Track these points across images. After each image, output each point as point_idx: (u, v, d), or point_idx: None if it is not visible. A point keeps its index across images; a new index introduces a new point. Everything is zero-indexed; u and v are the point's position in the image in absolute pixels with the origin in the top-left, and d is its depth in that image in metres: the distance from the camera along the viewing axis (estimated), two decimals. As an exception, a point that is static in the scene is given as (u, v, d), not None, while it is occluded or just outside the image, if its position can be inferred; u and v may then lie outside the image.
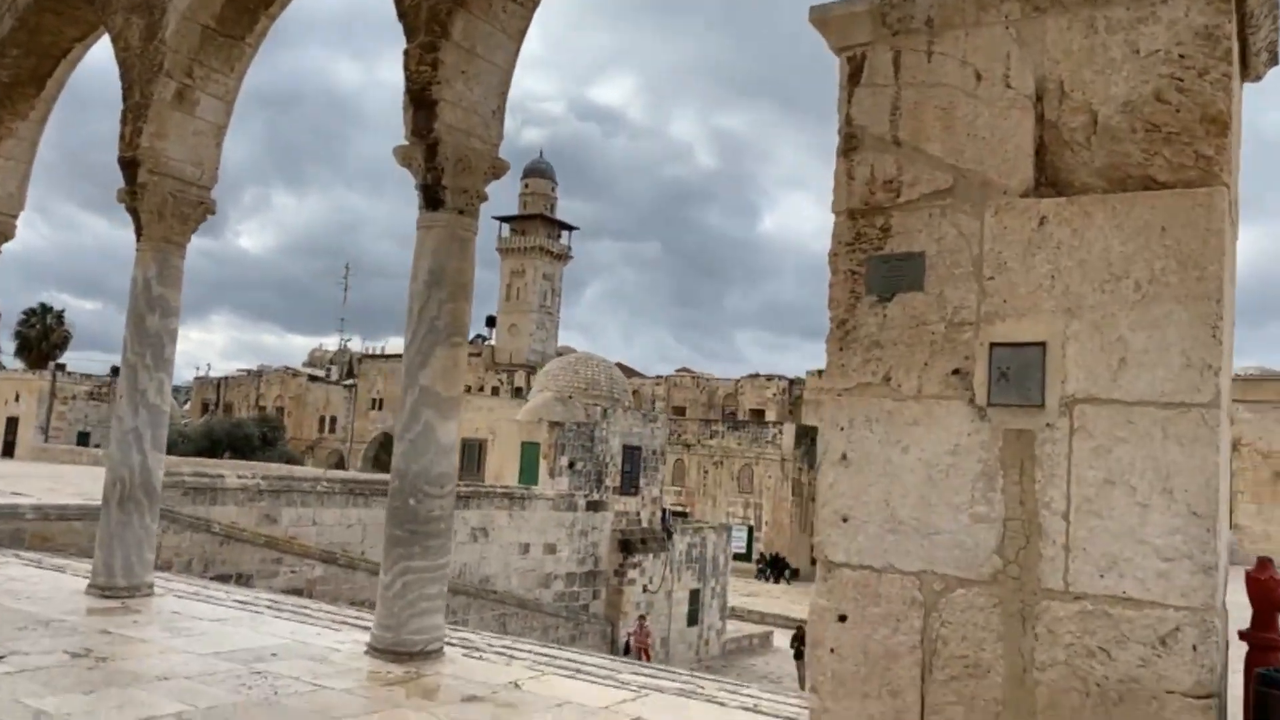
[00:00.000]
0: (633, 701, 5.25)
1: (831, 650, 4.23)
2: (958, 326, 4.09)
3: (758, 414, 65.86)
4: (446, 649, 6.17)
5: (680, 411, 66.65)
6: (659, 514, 26.78)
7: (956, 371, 4.07)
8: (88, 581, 7.61)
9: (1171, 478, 3.59)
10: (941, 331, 4.13)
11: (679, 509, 30.60)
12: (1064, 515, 3.79)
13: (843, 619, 4.22)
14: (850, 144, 4.43)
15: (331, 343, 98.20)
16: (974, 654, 3.93)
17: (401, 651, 5.87)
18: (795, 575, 52.18)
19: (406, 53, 6.13)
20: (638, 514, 25.87)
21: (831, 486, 4.30)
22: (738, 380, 69.49)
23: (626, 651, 21.63)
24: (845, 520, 4.25)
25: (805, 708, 6.81)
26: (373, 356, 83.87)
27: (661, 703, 5.32)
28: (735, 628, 31.03)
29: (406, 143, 6.27)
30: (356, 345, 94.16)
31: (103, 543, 7.45)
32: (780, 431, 55.07)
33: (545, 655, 6.84)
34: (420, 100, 6.09)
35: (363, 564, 17.10)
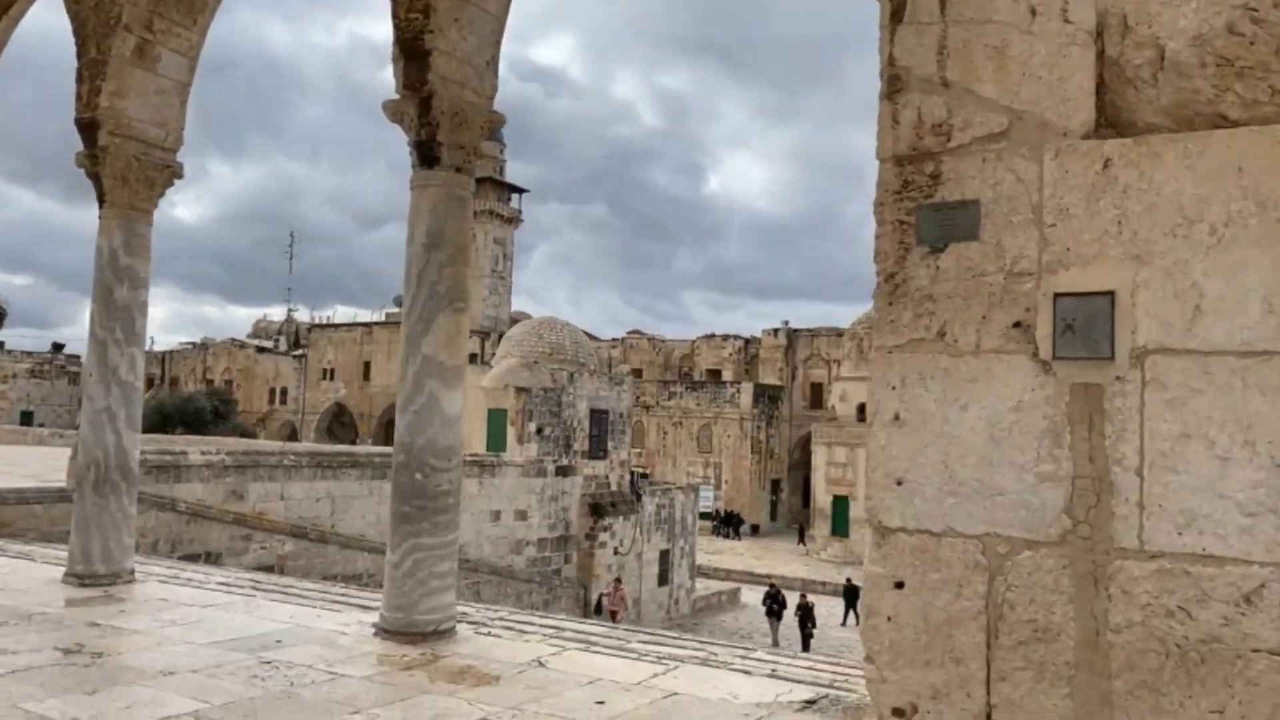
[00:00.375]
0: (664, 675, 5.07)
1: (889, 619, 4.06)
2: (1018, 277, 3.89)
3: (714, 374, 65.98)
4: (456, 627, 5.93)
5: (637, 374, 66.51)
6: (628, 477, 26.66)
7: (1018, 324, 3.88)
8: (63, 570, 7.21)
9: (1253, 429, 3.43)
10: (1000, 283, 3.93)
11: (640, 471, 30.66)
12: (1137, 471, 3.63)
13: (899, 586, 4.05)
14: (894, 86, 4.18)
15: (276, 313, 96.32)
16: (1043, 617, 3.79)
17: (414, 632, 5.62)
18: (755, 530, 52.71)
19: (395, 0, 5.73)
20: (606, 477, 25.72)
21: (884, 448, 4.10)
22: (694, 341, 69.46)
23: (599, 612, 21.59)
24: (900, 483, 4.06)
25: (813, 669, 6.72)
26: (322, 326, 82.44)
27: (691, 675, 5.15)
28: (704, 586, 31.20)
29: (397, 96, 5.89)
30: (303, 316, 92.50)
31: (79, 528, 7.04)
32: (739, 391, 55.25)
33: (554, 628, 6.63)
34: (412, 51, 5.71)
35: (334, 538, 16.74)
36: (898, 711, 4.04)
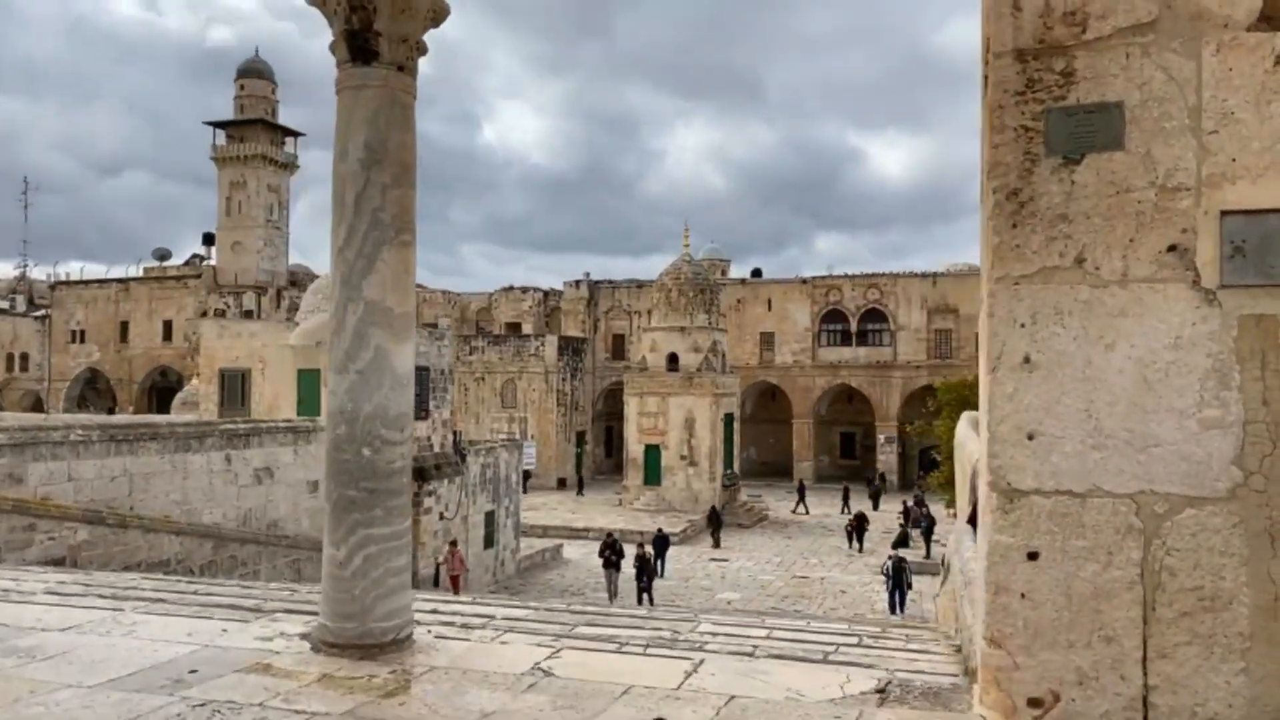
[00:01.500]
0: (699, 673, 4.33)
1: (1022, 595, 3.48)
2: (1172, 193, 3.35)
3: (514, 328, 64.70)
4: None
5: (431, 328, 64.10)
6: (450, 437, 25.34)
7: (1173, 248, 3.34)
8: None
9: None
10: (1151, 199, 3.37)
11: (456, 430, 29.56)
12: (1321, 413, 3.21)
13: (1033, 557, 3.47)
14: (1016, -35, 3.51)
15: (6, 269, 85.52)
16: (1210, 584, 3.31)
17: (370, 644, 4.55)
18: (561, 485, 52.39)
19: None
20: (429, 439, 24.29)
21: (1011, 397, 3.48)
22: (491, 294, 67.75)
23: (437, 583, 20.37)
24: (1031, 437, 3.46)
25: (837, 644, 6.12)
26: (69, 283, 73.94)
27: (728, 668, 4.42)
28: (526, 545, 30.46)
29: (315, -27, 4.63)
30: (39, 273, 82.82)
31: None
32: (543, 344, 54.42)
33: (515, 618, 5.71)
34: (342, -89, 4.47)
35: (135, 522, 14.66)
36: (1034, 702, 3.48)
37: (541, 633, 5.53)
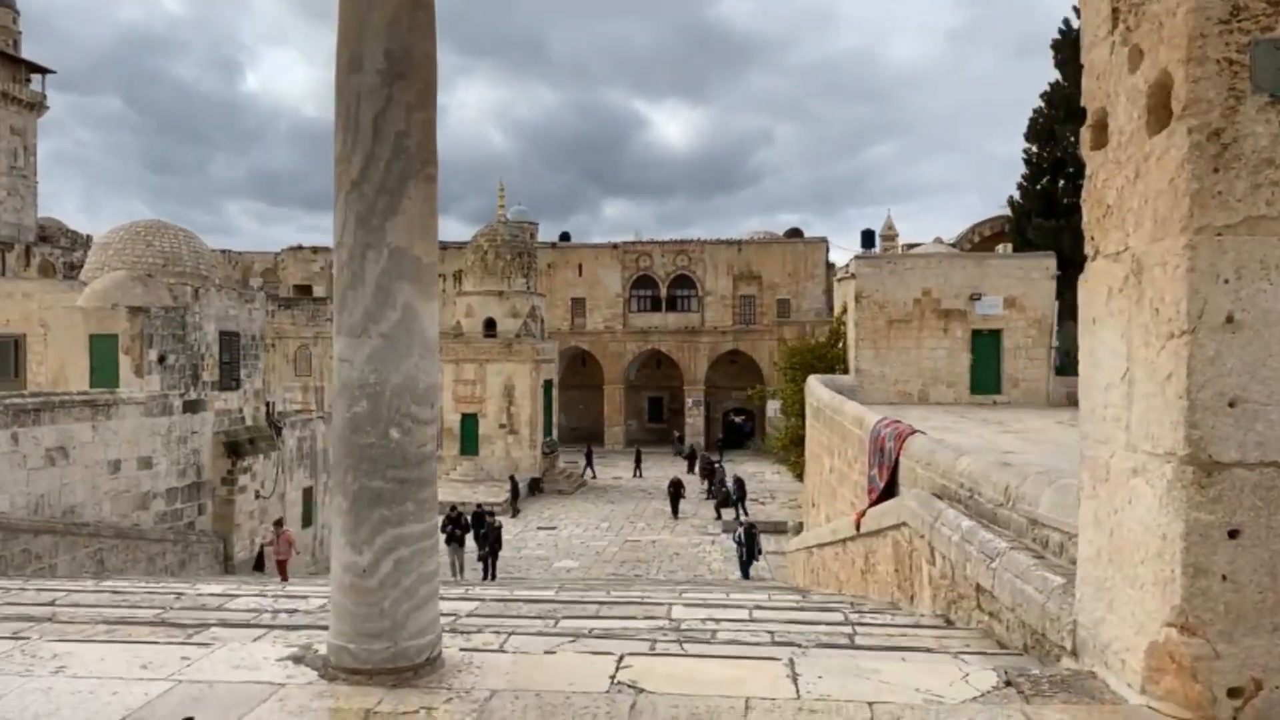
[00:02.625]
0: (809, 675, 3.83)
1: (1223, 578, 3.19)
2: (1390, 137, 3.11)
3: (303, 290, 60.94)
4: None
5: (243, 288, 59.17)
6: (264, 408, 23.27)
7: (1390, 196, 3.11)
8: None
9: None
10: (1367, 145, 3.11)
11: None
12: None
13: (1234, 535, 3.18)
14: (1220, -124, 3.13)
15: None
16: None
17: (403, 667, 3.73)
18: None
19: None
20: (240, 411, 22.19)
21: (1212, 361, 3.16)
22: (278, 254, 63.40)
23: (260, 567, 18.62)
24: (1233, 405, 3.16)
25: (914, 631, 5.75)
26: None
27: (837, 668, 3.95)
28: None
29: None
30: None
31: None
32: (340, 308, 51.45)
33: (481, 614, 4.98)
34: None
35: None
36: (1235, 691, 3.21)
37: (550, 632, 4.85)
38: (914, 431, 9.53)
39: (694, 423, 54.87)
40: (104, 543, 16.89)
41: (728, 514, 31.70)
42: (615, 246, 55.95)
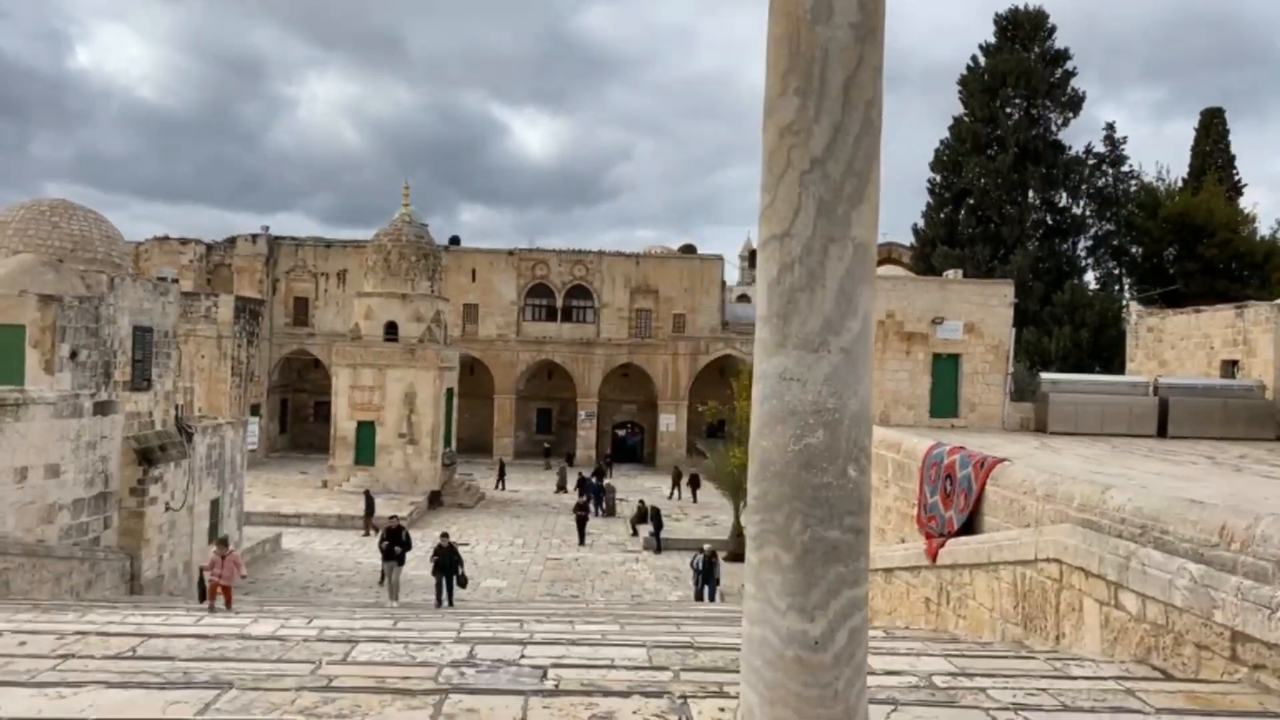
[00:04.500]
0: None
1: None
2: None
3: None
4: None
5: (158, 280, 54.46)
6: (174, 411, 21.22)
7: None
8: None
9: None
10: None
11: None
12: None
13: None
14: None
15: None
16: None
17: (858, 764, 3.02)
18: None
19: None
20: (150, 414, 20.13)
21: None
22: (141, 244, 58.92)
23: (203, 597, 16.68)
24: None
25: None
26: None
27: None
28: (244, 535, 26.64)
29: None
30: None
31: None
32: (216, 304, 48.21)
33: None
34: None
35: None
36: None
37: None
38: (1001, 460, 9.25)
39: (586, 435, 54.13)
40: (10, 561, 14.89)
41: (643, 529, 31.16)
42: (512, 253, 54.70)
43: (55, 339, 17.05)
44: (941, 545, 9.39)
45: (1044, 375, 20.79)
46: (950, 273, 22.43)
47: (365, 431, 37.19)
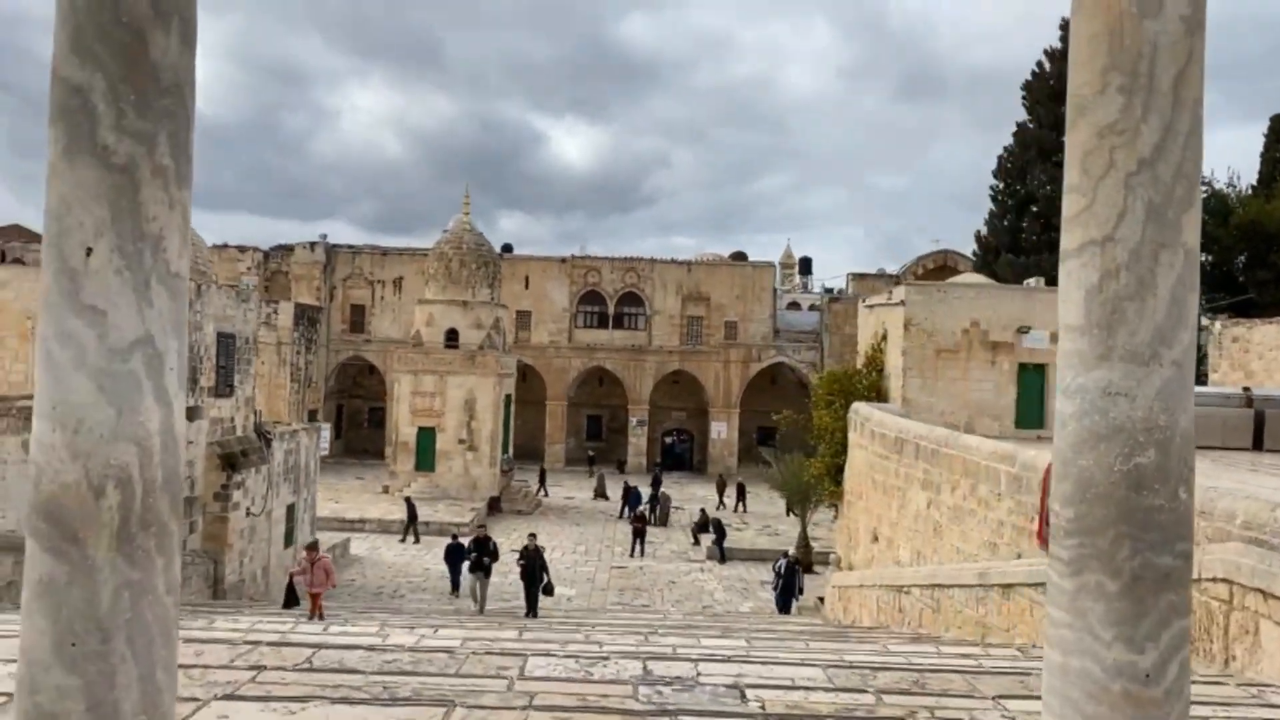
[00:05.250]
0: None
1: None
2: None
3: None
4: None
5: (234, 287, 55.32)
6: (253, 418, 21.43)
7: None
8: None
9: None
10: None
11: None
12: None
13: None
14: None
15: None
16: None
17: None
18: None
19: None
20: (232, 420, 20.35)
21: None
22: None
23: (292, 603, 16.60)
24: None
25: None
26: None
27: None
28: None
29: None
30: None
31: None
32: (276, 310, 48.81)
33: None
34: None
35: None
36: None
37: None
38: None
39: (637, 442, 54.04)
40: None
41: (705, 538, 30.97)
42: (564, 260, 54.84)
43: (147, 345, 17.23)
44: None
45: (1133, 386, 20.17)
46: (1031, 281, 22.02)
47: (425, 437, 37.38)
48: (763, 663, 6.32)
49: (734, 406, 53.84)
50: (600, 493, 41.26)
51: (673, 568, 28.02)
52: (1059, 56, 38.47)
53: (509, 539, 32.65)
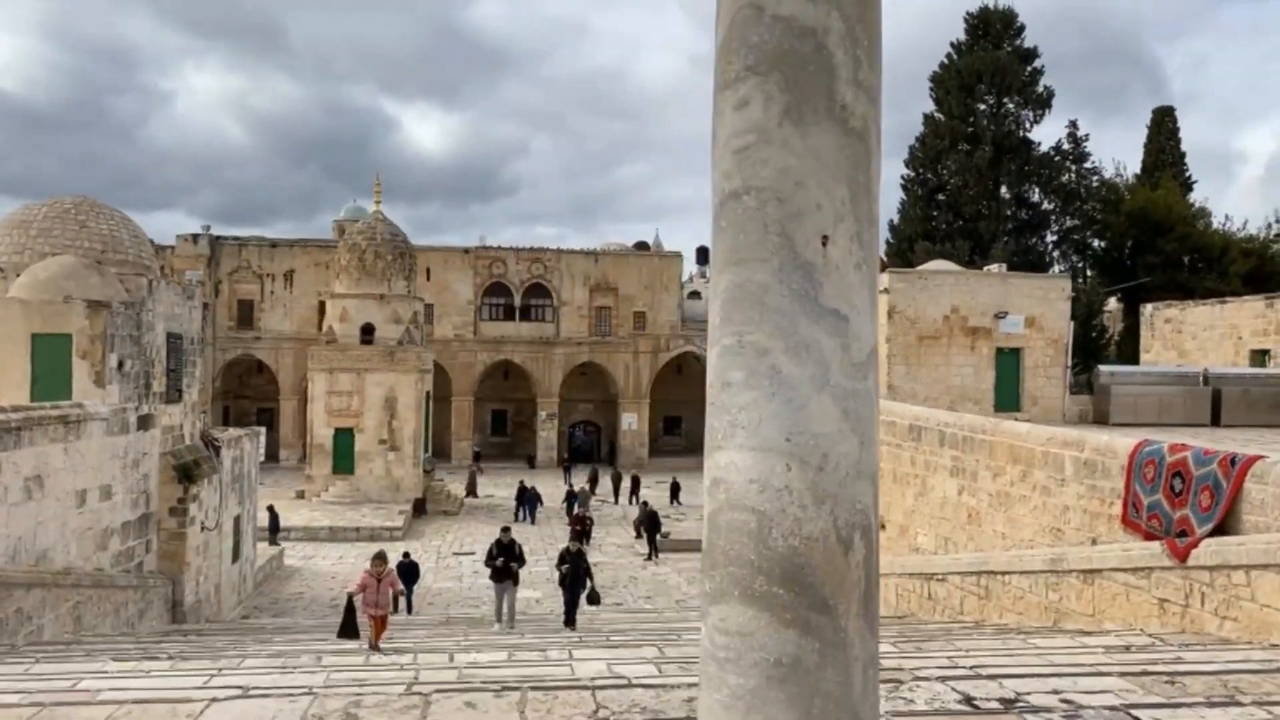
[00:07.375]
0: None
1: None
2: None
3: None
4: None
5: (180, 282, 50.84)
6: (199, 425, 19.76)
7: None
8: None
9: None
10: None
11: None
12: None
13: None
14: None
15: None
16: None
17: None
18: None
19: None
20: (181, 427, 18.68)
21: None
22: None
23: (349, 631, 13.45)
24: None
25: None
26: None
27: None
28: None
29: None
30: None
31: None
32: (161, 309, 45.58)
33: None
34: None
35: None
36: None
37: None
38: (1259, 457, 9.12)
39: (547, 436, 53.22)
40: (82, 594, 13.60)
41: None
42: (468, 251, 53.33)
43: (105, 349, 15.61)
44: (1194, 545, 9.22)
45: (1101, 368, 21.12)
46: (995, 267, 22.68)
47: (344, 438, 35.64)
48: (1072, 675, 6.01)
49: (644, 397, 53.68)
50: (471, 490, 39.40)
51: (626, 563, 27.61)
52: (965, 49, 39.85)
53: (444, 540, 31.58)
